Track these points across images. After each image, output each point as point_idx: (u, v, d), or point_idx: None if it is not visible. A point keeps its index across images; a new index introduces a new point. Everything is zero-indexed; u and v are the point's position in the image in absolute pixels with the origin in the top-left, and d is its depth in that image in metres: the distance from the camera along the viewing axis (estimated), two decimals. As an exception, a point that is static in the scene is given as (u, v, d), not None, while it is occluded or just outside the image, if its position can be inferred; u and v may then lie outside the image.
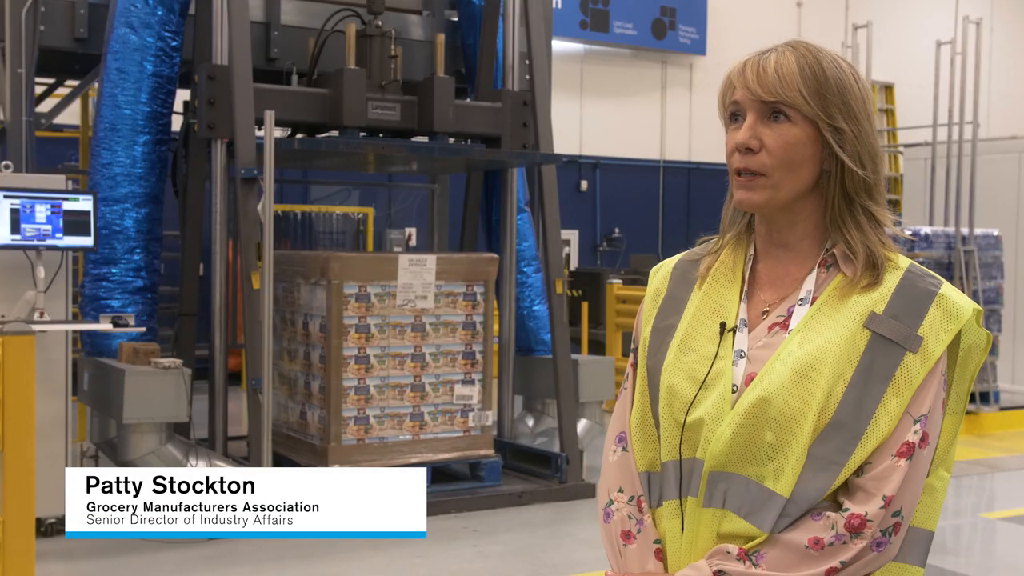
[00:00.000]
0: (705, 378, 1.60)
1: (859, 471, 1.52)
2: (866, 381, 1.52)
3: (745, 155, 1.58)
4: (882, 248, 1.59)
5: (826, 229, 1.62)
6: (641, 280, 12.94)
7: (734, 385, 1.58)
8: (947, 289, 1.57)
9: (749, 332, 1.63)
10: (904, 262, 1.60)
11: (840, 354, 1.53)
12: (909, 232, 9.88)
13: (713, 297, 1.67)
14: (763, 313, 1.63)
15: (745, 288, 1.66)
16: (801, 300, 1.60)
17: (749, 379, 1.58)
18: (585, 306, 11.18)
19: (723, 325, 1.63)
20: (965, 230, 9.94)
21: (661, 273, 1.78)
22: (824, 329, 1.55)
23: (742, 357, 1.60)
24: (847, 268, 1.59)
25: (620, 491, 1.71)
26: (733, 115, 1.62)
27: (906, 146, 15.14)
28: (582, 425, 7.32)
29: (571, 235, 15.48)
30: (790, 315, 1.60)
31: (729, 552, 1.54)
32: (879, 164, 1.61)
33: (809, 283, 1.61)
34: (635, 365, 1.75)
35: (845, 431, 1.51)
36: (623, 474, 1.71)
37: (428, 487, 6.59)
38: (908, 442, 1.52)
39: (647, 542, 1.66)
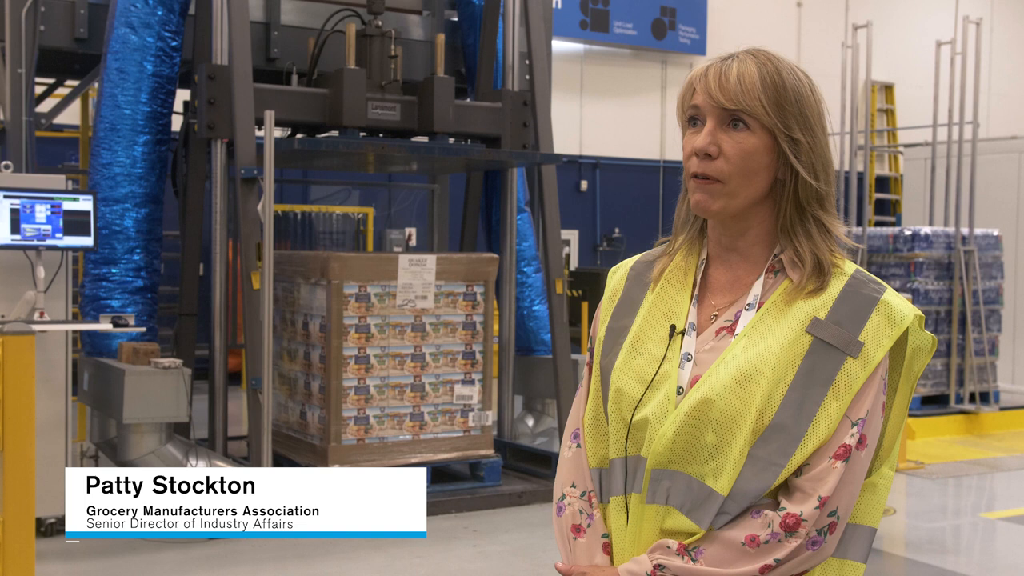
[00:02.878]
0: (652, 379, 1.64)
1: (798, 471, 1.57)
2: (806, 385, 1.56)
3: (703, 160, 1.61)
4: (830, 256, 1.63)
5: (776, 236, 1.65)
6: (641, 280, 12.93)
7: (680, 387, 1.63)
8: (889, 295, 1.61)
9: (697, 336, 1.66)
10: (850, 268, 1.64)
11: (781, 358, 1.57)
12: (908, 232, 9.88)
13: (665, 300, 1.71)
14: (712, 317, 1.67)
15: (696, 292, 1.70)
16: (748, 305, 1.64)
17: (694, 381, 1.62)
18: (585, 306, 11.19)
19: (672, 328, 1.67)
20: (965, 230, 9.94)
21: (619, 274, 1.81)
22: (768, 334, 1.59)
23: (689, 360, 1.64)
24: (793, 274, 1.62)
25: (573, 486, 1.76)
26: (692, 118, 1.64)
27: (906, 146, 15.15)
28: (582, 425, 7.32)
29: (571, 235, 15.48)
30: (737, 320, 1.64)
31: (669, 547, 1.59)
32: (831, 175, 1.64)
33: (756, 288, 1.64)
34: (591, 364, 1.79)
35: (785, 433, 1.56)
36: (576, 470, 1.76)
37: (428, 487, 6.60)
38: (845, 444, 1.56)
39: (596, 536, 1.71)
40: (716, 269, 1.70)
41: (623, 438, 1.66)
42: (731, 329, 1.64)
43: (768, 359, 1.57)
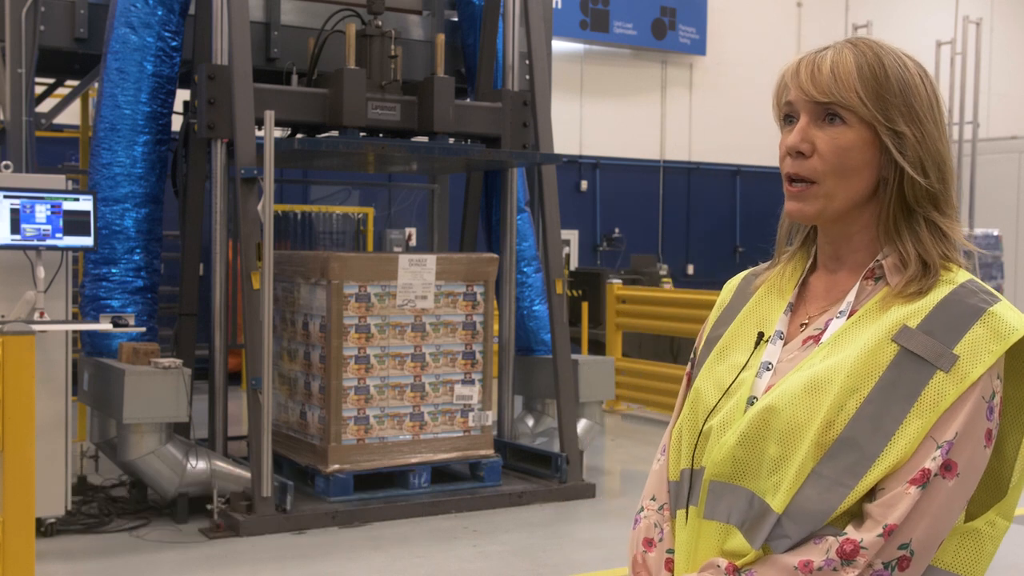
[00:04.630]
0: (729, 387, 1.55)
1: (872, 496, 1.41)
2: (886, 399, 1.40)
3: (796, 159, 1.49)
4: (942, 260, 1.47)
5: (882, 241, 1.52)
6: (641, 280, 12.97)
7: (753, 396, 1.52)
8: (1001, 307, 1.43)
9: (785, 344, 1.56)
10: (961, 277, 1.47)
11: (857, 367, 1.42)
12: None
13: (760, 309, 1.62)
14: (802, 326, 1.56)
15: (792, 301, 1.59)
16: (840, 313, 1.51)
17: (768, 390, 1.51)
18: (585, 306, 11.19)
19: (760, 335, 1.57)
20: (965, 230, 9.95)
21: (730, 286, 1.73)
22: (852, 343, 1.46)
23: (769, 369, 1.53)
24: (893, 278, 1.47)
25: (653, 499, 1.69)
26: (787, 116, 1.53)
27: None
28: (582, 425, 7.32)
29: (571, 235, 15.48)
30: (826, 328, 1.52)
31: (719, 566, 1.48)
32: (946, 172, 1.50)
33: (851, 295, 1.51)
34: (689, 375, 1.71)
35: (856, 450, 1.40)
36: (657, 482, 1.69)
37: (428, 487, 6.61)
38: (925, 469, 1.38)
39: (662, 551, 1.63)
40: (818, 277, 1.58)
41: (692, 448, 1.57)
42: (818, 338, 1.51)
43: (842, 367, 1.42)
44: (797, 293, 1.60)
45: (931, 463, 1.39)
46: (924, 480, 1.38)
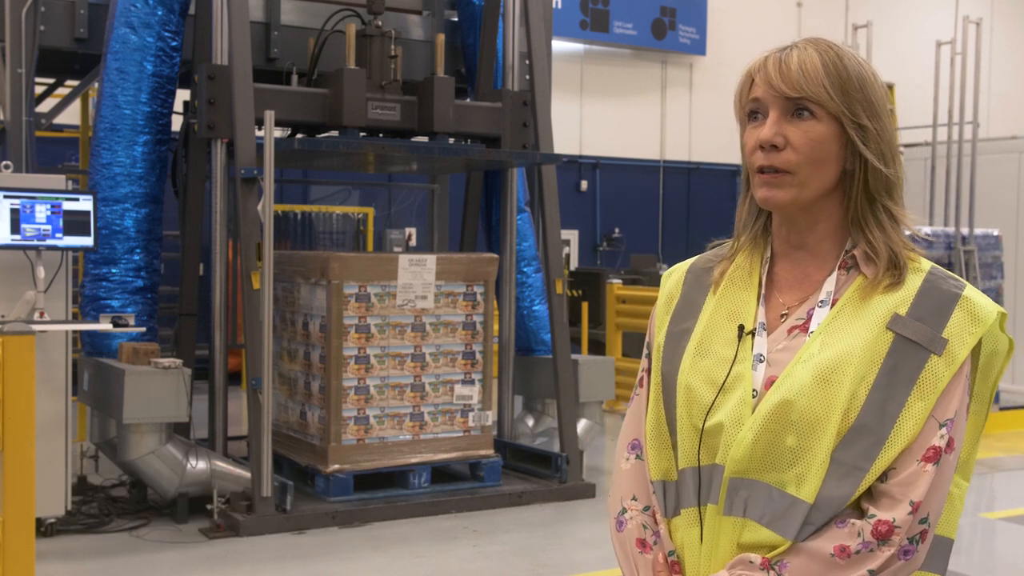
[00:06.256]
0: (724, 382, 1.57)
1: (883, 476, 1.49)
2: (890, 384, 1.49)
3: (769, 152, 1.55)
4: (903, 249, 1.57)
5: (846, 230, 1.59)
6: (641, 280, 12.96)
7: (754, 390, 1.55)
8: (970, 291, 1.54)
9: (768, 335, 1.59)
10: (926, 264, 1.58)
11: (863, 356, 1.50)
12: (908, 232, 9.88)
13: (729, 300, 1.64)
14: (782, 316, 1.60)
15: (762, 291, 1.63)
16: (821, 302, 1.57)
17: (769, 383, 1.54)
18: (585, 306, 11.19)
19: (741, 328, 1.60)
20: (965, 230, 9.94)
21: (674, 277, 1.75)
22: (846, 331, 1.53)
23: (761, 361, 1.57)
24: (868, 269, 1.56)
25: (634, 499, 1.68)
26: (752, 112, 1.59)
27: (906, 146, 15.12)
28: (582, 425, 7.32)
29: (571, 235, 15.48)
30: (810, 317, 1.57)
31: (752, 562, 1.51)
32: (899, 163, 1.59)
33: (829, 285, 1.58)
34: (648, 371, 1.72)
35: (869, 435, 1.48)
36: (637, 482, 1.69)
37: (428, 487, 6.61)
38: (935, 447, 1.49)
39: (661, 553, 1.64)
40: (783, 267, 1.63)
41: (695, 446, 1.58)
42: (804, 327, 1.57)
43: (851, 358, 1.50)
44: (765, 284, 1.64)
45: (939, 441, 1.49)
46: (937, 458, 1.49)
